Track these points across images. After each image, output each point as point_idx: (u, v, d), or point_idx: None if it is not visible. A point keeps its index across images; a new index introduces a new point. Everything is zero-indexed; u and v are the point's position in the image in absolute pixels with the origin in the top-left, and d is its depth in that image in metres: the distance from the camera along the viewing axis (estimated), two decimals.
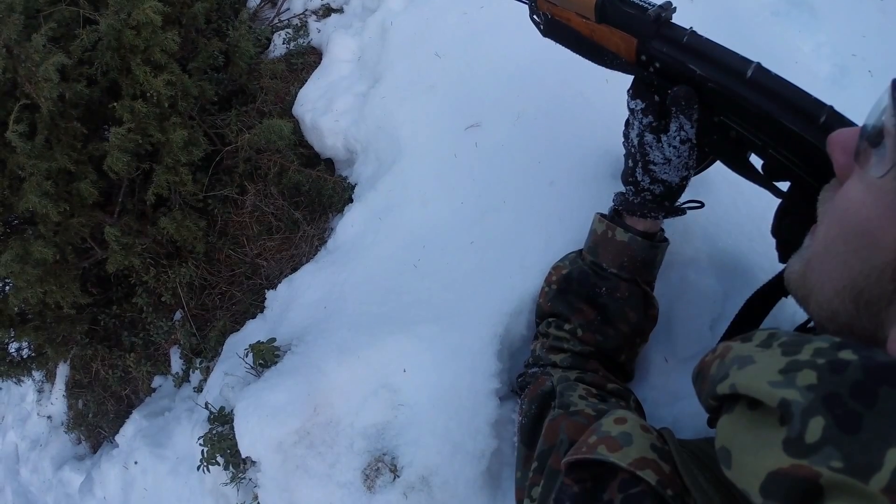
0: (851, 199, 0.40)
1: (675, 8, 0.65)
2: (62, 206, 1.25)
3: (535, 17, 0.85)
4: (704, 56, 0.61)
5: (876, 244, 0.38)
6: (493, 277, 1.00)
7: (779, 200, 0.64)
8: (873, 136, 0.39)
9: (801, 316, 0.81)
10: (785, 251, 0.67)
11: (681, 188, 0.73)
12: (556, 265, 0.85)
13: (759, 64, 0.58)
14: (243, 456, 0.99)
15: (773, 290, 0.66)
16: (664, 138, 0.68)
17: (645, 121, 0.69)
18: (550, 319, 0.81)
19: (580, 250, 0.84)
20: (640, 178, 0.73)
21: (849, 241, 0.40)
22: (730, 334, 0.68)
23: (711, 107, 0.63)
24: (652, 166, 0.71)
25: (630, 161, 0.74)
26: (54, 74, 1.17)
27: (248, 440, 0.96)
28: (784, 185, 0.63)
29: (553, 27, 0.81)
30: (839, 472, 0.30)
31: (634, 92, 0.70)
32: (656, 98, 0.68)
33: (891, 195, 0.36)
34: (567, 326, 0.78)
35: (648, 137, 0.69)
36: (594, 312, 0.77)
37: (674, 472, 0.46)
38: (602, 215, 0.80)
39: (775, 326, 0.51)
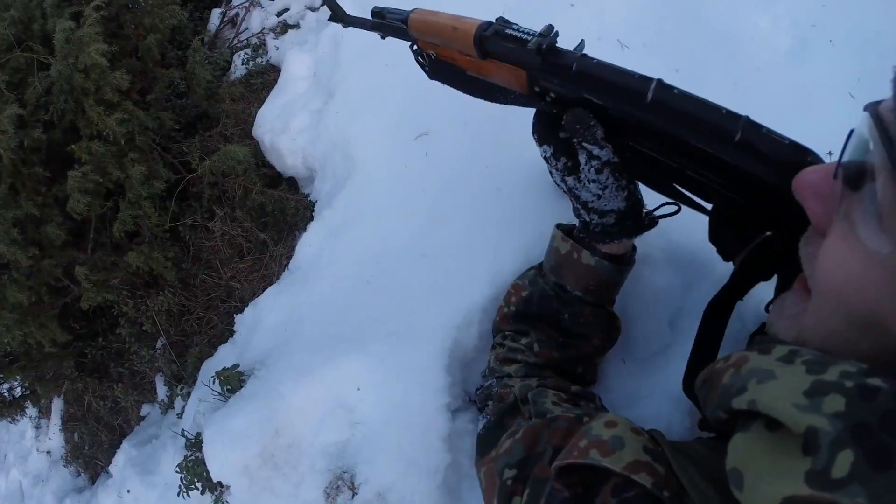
0: (849, 273, 0.35)
1: (556, 32, 0.59)
2: (31, 250, 1.28)
3: (419, 58, 0.80)
4: (598, 81, 0.55)
5: (890, 331, 0.34)
6: (444, 290, 1.00)
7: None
8: (853, 179, 0.34)
9: (751, 321, 0.79)
10: (725, 255, 0.66)
11: (634, 206, 0.65)
12: (515, 284, 0.80)
13: (659, 81, 0.51)
14: (214, 480, 1.02)
15: (726, 297, 0.62)
16: (581, 176, 0.62)
17: (559, 165, 0.64)
18: (507, 332, 0.78)
19: (540, 265, 0.79)
20: (587, 218, 0.67)
21: (853, 322, 0.36)
22: (695, 354, 0.64)
23: (619, 133, 0.57)
24: (591, 204, 0.65)
25: (571, 200, 0.69)
26: (10, 126, 1.20)
27: (216, 465, 0.99)
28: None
29: (438, 68, 0.77)
30: None
31: (539, 137, 0.64)
32: (561, 136, 0.62)
33: None
34: (524, 340, 0.75)
35: (570, 181, 0.64)
36: (556, 333, 0.74)
37: (669, 473, 0.44)
38: (564, 233, 0.73)
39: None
